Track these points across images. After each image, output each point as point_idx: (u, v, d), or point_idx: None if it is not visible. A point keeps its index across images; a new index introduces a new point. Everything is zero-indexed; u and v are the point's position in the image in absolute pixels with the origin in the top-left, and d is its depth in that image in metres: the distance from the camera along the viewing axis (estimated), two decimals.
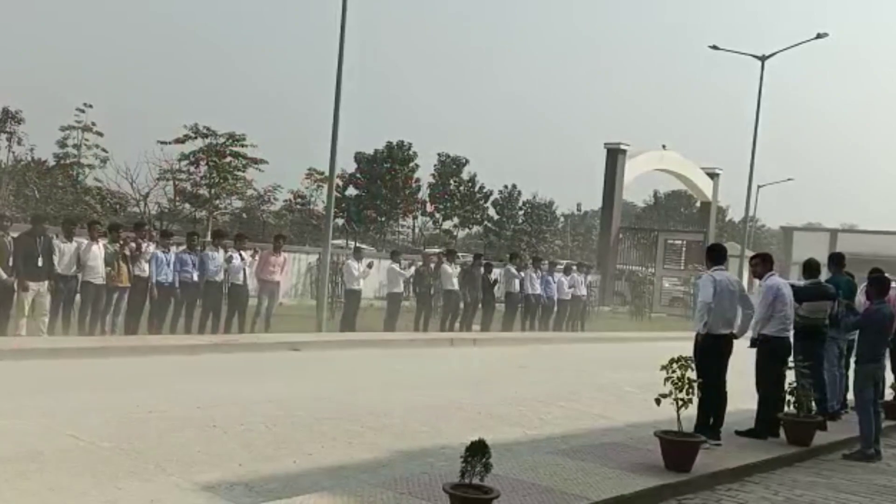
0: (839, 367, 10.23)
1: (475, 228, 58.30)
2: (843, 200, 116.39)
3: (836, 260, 10.65)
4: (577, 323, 21.78)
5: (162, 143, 36.28)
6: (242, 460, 6.68)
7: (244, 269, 14.43)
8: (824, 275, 10.32)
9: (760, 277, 9.11)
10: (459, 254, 23.67)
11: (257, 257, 14.85)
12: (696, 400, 7.23)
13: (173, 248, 13.79)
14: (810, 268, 9.94)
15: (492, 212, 58.75)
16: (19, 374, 9.57)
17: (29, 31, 73.87)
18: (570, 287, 21.19)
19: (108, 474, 6.03)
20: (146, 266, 13.03)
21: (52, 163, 40.16)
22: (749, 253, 24.42)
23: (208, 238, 19.56)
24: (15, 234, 12.01)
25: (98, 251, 12.42)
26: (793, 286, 9.63)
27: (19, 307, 11.63)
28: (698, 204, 45.93)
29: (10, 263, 11.54)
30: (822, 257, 10.78)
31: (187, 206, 39.16)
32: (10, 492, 5.52)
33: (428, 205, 53.78)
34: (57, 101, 73.11)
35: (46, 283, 11.78)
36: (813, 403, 8.93)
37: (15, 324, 11.64)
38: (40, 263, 11.66)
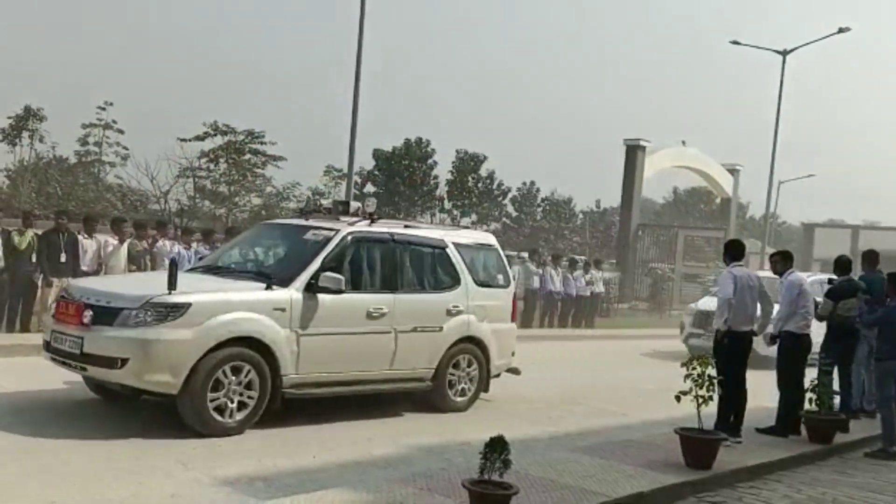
0: (866, 366, 10.12)
1: (493, 225, 58.24)
2: (865, 197, 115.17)
3: (870, 258, 10.45)
4: (592, 319, 21.78)
5: (182, 140, 36.42)
6: (262, 455, 6.72)
7: None
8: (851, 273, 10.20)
9: (781, 274, 9.05)
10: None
11: None
12: (716, 397, 7.19)
13: (194, 245, 13.84)
14: (841, 265, 9.85)
15: (510, 208, 58.66)
16: (42, 369, 9.65)
17: (50, 29, 74.67)
18: (588, 284, 21.23)
19: (130, 469, 6.09)
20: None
21: (73, 160, 40.52)
22: (770, 250, 24.25)
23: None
24: (39, 231, 12.13)
25: (121, 250, 12.49)
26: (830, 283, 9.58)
27: (43, 303, 11.75)
28: (718, 200, 45.64)
29: (34, 260, 11.68)
30: (845, 254, 10.66)
31: (207, 203, 39.35)
32: (32, 485, 5.59)
33: (446, 201, 53.73)
34: (78, 99, 73.89)
35: (70, 279, 11.86)
36: (834, 401, 8.85)
37: (39, 320, 11.75)
38: (63, 259, 11.76)
